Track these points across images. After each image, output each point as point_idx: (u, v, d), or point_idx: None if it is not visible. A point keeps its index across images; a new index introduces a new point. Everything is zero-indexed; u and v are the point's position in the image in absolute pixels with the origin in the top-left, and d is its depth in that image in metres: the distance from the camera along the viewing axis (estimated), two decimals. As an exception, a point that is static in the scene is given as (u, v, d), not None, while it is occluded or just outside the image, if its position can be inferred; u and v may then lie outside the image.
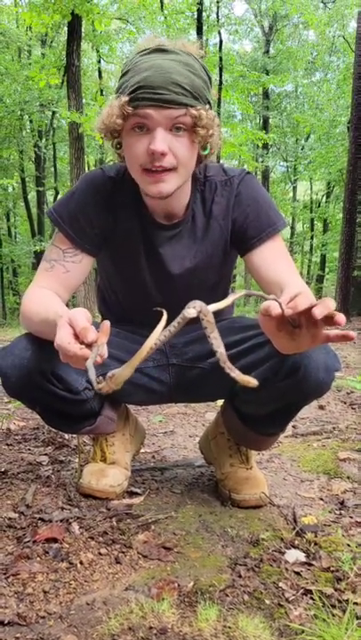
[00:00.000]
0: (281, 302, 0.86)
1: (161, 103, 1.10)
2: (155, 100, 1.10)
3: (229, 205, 1.32)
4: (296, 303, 0.85)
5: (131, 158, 1.19)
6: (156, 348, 0.73)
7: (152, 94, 1.10)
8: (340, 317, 0.81)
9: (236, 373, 0.74)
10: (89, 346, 0.91)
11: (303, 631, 0.87)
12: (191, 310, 0.71)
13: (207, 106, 1.16)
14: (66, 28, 9.45)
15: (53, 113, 15.11)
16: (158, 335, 0.71)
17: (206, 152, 1.24)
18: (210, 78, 1.20)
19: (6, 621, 0.90)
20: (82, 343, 0.92)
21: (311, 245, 22.86)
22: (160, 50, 1.13)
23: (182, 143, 1.15)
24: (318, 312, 0.80)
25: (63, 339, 0.92)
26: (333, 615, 0.91)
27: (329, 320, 0.82)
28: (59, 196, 19.34)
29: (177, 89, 1.10)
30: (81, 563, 1.09)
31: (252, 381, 0.75)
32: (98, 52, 15.91)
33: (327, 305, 0.81)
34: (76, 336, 0.92)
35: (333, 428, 2.15)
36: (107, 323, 0.93)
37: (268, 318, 0.90)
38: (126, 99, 1.11)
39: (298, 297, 0.87)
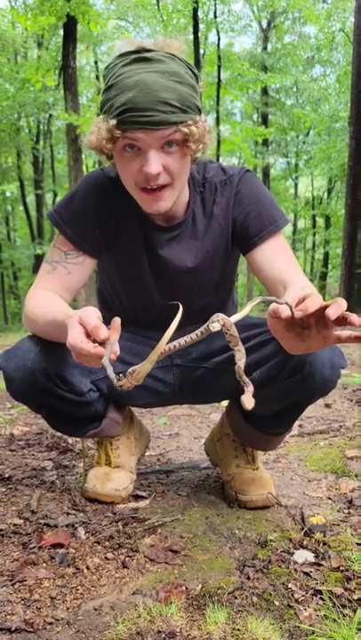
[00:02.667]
0: (291, 305, 0.85)
1: (150, 126, 1.08)
2: (143, 124, 1.07)
3: (229, 204, 1.31)
4: (306, 305, 0.84)
5: (125, 177, 1.18)
6: (175, 350, 0.73)
7: (140, 117, 1.07)
8: (355, 318, 0.80)
9: (248, 389, 0.77)
10: (102, 344, 0.91)
11: (314, 632, 0.86)
12: (215, 324, 0.73)
13: (198, 114, 1.14)
14: (61, 31, 9.44)
15: (50, 115, 15.13)
16: (175, 327, 0.72)
17: (199, 155, 1.24)
18: (197, 76, 1.16)
19: (13, 628, 0.89)
20: (94, 341, 0.91)
21: (313, 242, 22.81)
22: (142, 59, 1.09)
23: (175, 158, 1.14)
24: (332, 313, 0.79)
25: (75, 338, 0.92)
26: (344, 615, 0.90)
27: (342, 321, 0.81)
28: (57, 199, 19.38)
29: (165, 107, 1.07)
30: (87, 568, 1.08)
31: (249, 406, 0.78)
32: (95, 52, 15.91)
33: (340, 305, 0.80)
34: (88, 335, 0.92)
35: (340, 426, 2.14)
36: (117, 320, 0.93)
37: (276, 320, 0.90)
38: (114, 122, 1.09)
39: (307, 299, 0.86)
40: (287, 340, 0.94)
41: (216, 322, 0.73)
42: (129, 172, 1.15)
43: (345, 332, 0.85)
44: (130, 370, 0.78)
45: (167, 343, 0.72)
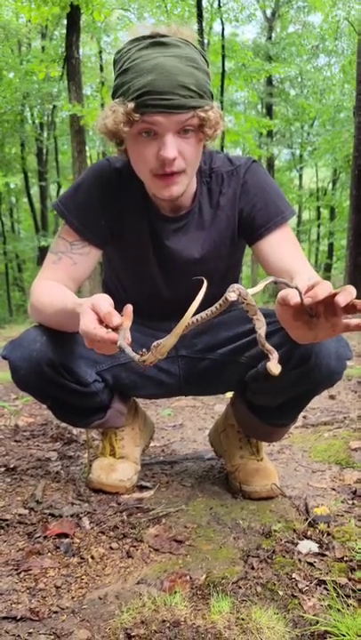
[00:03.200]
0: (301, 291, 0.85)
1: (170, 109, 1.07)
2: (163, 107, 1.07)
3: (236, 195, 1.30)
4: (316, 292, 0.83)
5: (139, 163, 1.17)
6: (198, 324, 0.74)
7: (160, 100, 1.06)
8: None
9: (273, 356, 0.76)
10: (114, 330, 0.91)
11: (318, 622, 0.87)
12: (232, 294, 0.73)
13: (211, 100, 1.14)
14: (65, 20, 9.36)
15: (54, 106, 15.05)
16: (199, 301, 0.72)
17: (208, 142, 1.23)
18: (208, 64, 1.17)
19: (19, 617, 0.90)
20: (107, 327, 0.91)
21: (318, 234, 22.69)
22: (159, 43, 1.09)
23: (190, 144, 1.14)
24: (342, 300, 0.79)
25: (88, 324, 0.92)
26: (348, 605, 0.90)
27: (351, 308, 0.81)
28: (61, 191, 19.31)
29: (184, 92, 1.07)
30: (92, 557, 1.09)
31: (276, 371, 0.77)
32: (99, 43, 15.78)
33: (350, 292, 0.80)
34: (100, 321, 0.92)
35: (344, 417, 2.14)
36: (130, 306, 0.93)
37: (285, 308, 0.89)
38: (132, 105, 1.07)
39: (317, 286, 0.85)
40: (295, 329, 0.94)
41: (232, 292, 0.73)
42: (144, 157, 1.14)
43: (354, 320, 0.85)
44: (154, 344, 0.78)
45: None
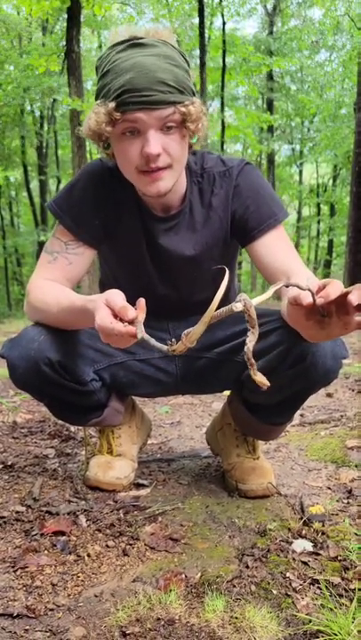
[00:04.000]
0: (313, 292, 0.85)
1: (150, 105, 1.08)
2: (143, 104, 1.08)
3: (228, 197, 1.30)
4: (328, 292, 0.83)
5: (124, 162, 1.18)
6: (221, 317, 0.78)
7: (139, 97, 1.07)
8: None
9: (254, 371, 0.79)
10: (130, 323, 0.93)
11: (310, 621, 0.87)
12: (238, 305, 0.76)
13: (192, 96, 1.15)
14: (66, 14, 9.30)
15: (54, 100, 14.98)
16: (223, 289, 0.76)
17: (195, 141, 1.23)
18: (188, 63, 1.17)
19: (15, 614, 0.91)
20: (122, 322, 0.93)
21: (318, 230, 22.67)
22: (136, 44, 1.10)
23: (174, 140, 1.14)
24: (355, 298, 0.79)
25: (105, 319, 0.94)
26: (341, 605, 0.91)
27: None
28: (61, 185, 19.25)
29: (163, 87, 1.08)
30: (88, 555, 1.10)
31: (265, 382, 0.80)
32: (99, 36, 15.71)
33: None
34: (115, 316, 0.94)
35: (341, 415, 2.15)
36: (142, 300, 0.95)
37: (297, 308, 0.89)
38: (113, 104, 1.08)
39: (328, 285, 0.85)
40: (307, 329, 0.94)
41: (239, 302, 0.76)
42: (129, 156, 1.15)
43: None
44: (185, 332, 0.83)
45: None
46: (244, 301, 0.76)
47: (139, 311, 0.95)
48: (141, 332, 0.92)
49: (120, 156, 1.18)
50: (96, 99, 1.16)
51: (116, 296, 0.97)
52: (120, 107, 1.09)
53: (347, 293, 0.81)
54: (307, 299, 0.85)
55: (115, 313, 0.95)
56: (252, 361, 0.78)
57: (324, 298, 0.83)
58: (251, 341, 0.78)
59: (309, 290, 0.85)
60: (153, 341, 0.88)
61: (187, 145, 1.20)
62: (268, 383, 0.79)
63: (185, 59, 1.16)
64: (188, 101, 1.12)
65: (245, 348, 0.78)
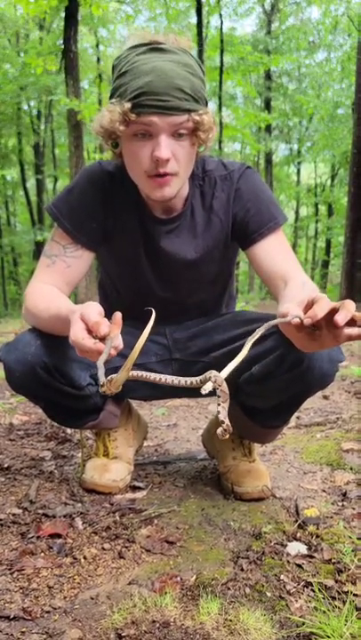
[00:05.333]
0: (300, 316, 0.87)
1: (165, 110, 1.09)
2: (159, 108, 1.09)
3: (230, 200, 1.31)
4: (315, 312, 0.85)
5: (133, 164, 1.19)
6: (154, 380, 0.77)
7: (156, 101, 1.09)
8: None
9: (223, 428, 0.76)
10: (103, 339, 0.93)
11: (304, 623, 0.89)
12: (208, 386, 0.73)
13: (206, 106, 1.16)
14: (63, 13, 9.28)
15: (51, 99, 14.95)
16: (147, 335, 0.74)
17: (202, 149, 1.25)
18: (204, 72, 1.19)
19: (12, 616, 0.92)
20: (95, 337, 0.94)
21: (316, 230, 22.69)
22: (157, 49, 1.11)
23: (184, 147, 1.16)
24: (341, 319, 0.82)
25: (77, 334, 0.95)
26: (334, 607, 0.92)
27: (351, 322, 0.83)
28: (58, 184, 19.20)
29: (180, 94, 1.09)
30: (85, 558, 1.11)
31: (218, 432, 0.76)
32: (96, 35, 15.69)
33: (349, 309, 0.83)
34: (90, 331, 0.95)
35: (337, 418, 2.16)
36: (118, 314, 0.96)
37: (287, 323, 0.92)
38: (129, 105, 1.10)
39: (316, 304, 0.87)
40: (300, 340, 0.96)
41: (209, 382, 0.73)
42: (139, 158, 1.16)
43: (355, 330, 0.87)
44: (108, 378, 0.83)
45: (149, 372, 0.77)
46: (214, 378, 0.73)
47: (113, 326, 0.94)
48: (104, 355, 0.90)
49: (129, 156, 1.19)
50: (111, 97, 1.17)
51: (92, 310, 0.97)
52: (136, 108, 1.10)
53: (334, 309, 0.84)
54: (295, 319, 0.88)
55: (89, 328, 0.95)
56: (227, 422, 0.76)
57: (311, 318, 0.86)
58: (224, 417, 0.75)
59: (298, 317, 0.87)
60: (100, 372, 0.87)
61: (195, 153, 1.22)
62: (230, 432, 0.77)
63: (201, 68, 1.18)
64: (202, 111, 1.14)
65: (220, 421, 0.75)
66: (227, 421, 0.75)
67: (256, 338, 0.86)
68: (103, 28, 14.35)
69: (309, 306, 0.89)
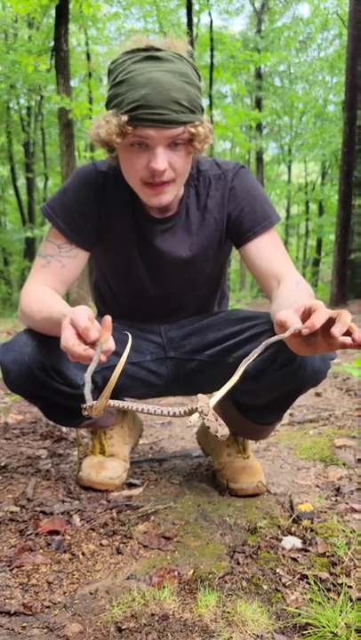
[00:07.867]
0: (300, 328, 0.89)
1: (161, 124, 1.11)
2: (155, 122, 1.10)
3: (224, 199, 1.33)
4: (313, 322, 0.87)
5: (130, 172, 1.21)
6: (137, 409, 0.77)
7: (152, 115, 1.10)
8: (358, 335, 0.85)
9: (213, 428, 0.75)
10: (93, 344, 0.94)
11: (300, 614, 0.91)
12: (193, 417, 0.71)
13: (202, 114, 1.18)
14: (54, 12, 9.23)
15: (41, 97, 14.87)
16: (126, 359, 0.75)
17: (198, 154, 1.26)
18: (200, 78, 1.20)
19: (12, 611, 0.93)
20: (86, 343, 0.94)
21: (306, 228, 22.77)
22: (153, 57, 1.11)
23: (180, 156, 1.17)
24: (337, 331, 0.84)
25: (68, 340, 0.96)
26: (329, 599, 0.94)
27: (347, 332, 0.86)
28: (49, 183, 19.08)
29: (176, 107, 1.10)
30: (83, 554, 1.12)
31: (219, 434, 0.76)
32: (86, 34, 15.61)
33: (344, 321, 0.85)
34: (80, 336, 0.95)
35: (330, 415, 2.19)
36: (108, 318, 0.97)
37: (283, 329, 0.93)
38: (125, 117, 1.11)
39: (313, 314, 0.89)
40: (294, 345, 0.98)
41: (195, 414, 0.72)
42: (135, 167, 1.18)
43: (349, 340, 0.89)
44: (89, 404, 0.83)
45: (136, 402, 0.76)
46: (200, 408, 0.71)
47: (103, 330, 0.95)
48: (92, 367, 0.90)
49: (126, 165, 1.21)
50: (106, 105, 1.18)
51: (82, 315, 0.97)
52: (132, 121, 1.11)
53: (331, 319, 0.86)
54: (292, 329, 0.89)
55: (79, 333, 0.96)
56: (220, 434, 0.75)
57: (309, 328, 0.88)
58: (212, 429, 0.74)
59: (297, 330, 0.89)
60: (86, 388, 0.87)
61: (191, 160, 1.23)
62: (226, 434, 0.77)
63: (197, 74, 1.18)
64: (198, 122, 1.15)
65: (209, 430, 0.74)
66: (221, 431, 0.75)
67: (251, 361, 0.86)
68: (93, 25, 14.27)
69: (306, 314, 0.91)
